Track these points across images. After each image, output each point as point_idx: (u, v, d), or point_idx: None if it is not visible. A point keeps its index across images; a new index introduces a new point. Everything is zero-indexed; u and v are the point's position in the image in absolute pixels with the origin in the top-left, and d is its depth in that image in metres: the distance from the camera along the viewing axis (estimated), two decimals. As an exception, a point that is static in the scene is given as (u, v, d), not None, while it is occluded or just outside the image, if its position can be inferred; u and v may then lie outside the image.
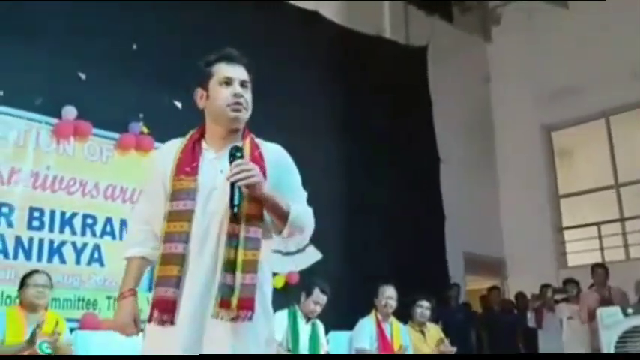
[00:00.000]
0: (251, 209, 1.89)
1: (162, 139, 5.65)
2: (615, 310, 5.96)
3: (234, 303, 1.80)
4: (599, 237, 9.57)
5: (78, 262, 5.12)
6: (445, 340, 5.64)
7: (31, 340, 3.75)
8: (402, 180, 7.96)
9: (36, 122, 5.10)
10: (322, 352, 4.91)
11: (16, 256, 4.79)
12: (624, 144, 9.70)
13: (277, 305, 5.30)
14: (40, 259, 4.90)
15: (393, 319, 5.37)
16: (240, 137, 2.03)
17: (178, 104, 5.72)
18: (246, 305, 1.81)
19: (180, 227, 1.87)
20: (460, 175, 9.13)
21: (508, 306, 8.45)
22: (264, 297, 1.93)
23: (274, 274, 6.30)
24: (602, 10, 9.14)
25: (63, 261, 5.03)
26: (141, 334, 1.95)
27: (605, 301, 6.50)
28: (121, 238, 5.37)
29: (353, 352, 5.27)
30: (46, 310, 4.21)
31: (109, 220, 5.34)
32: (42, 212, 5.01)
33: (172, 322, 1.81)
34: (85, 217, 5.23)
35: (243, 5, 6.51)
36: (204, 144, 2.01)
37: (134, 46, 5.75)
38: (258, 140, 2.06)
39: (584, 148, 10.60)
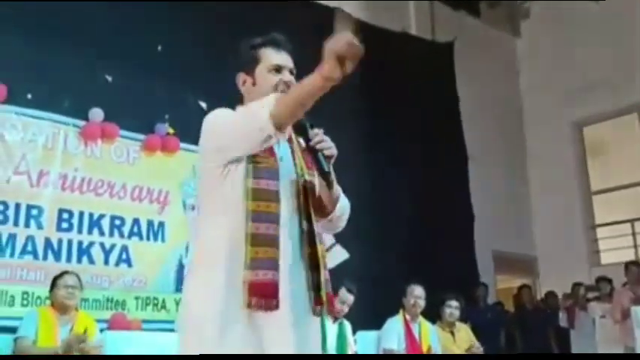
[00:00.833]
0: (314, 200, 1.87)
1: (188, 140, 5.67)
2: (650, 308, 5.84)
3: (324, 298, 1.82)
4: (633, 234, 9.38)
5: (106, 262, 5.16)
6: (476, 343, 5.57)
7: (66, 348, 3.79)
8: (429, 178, 7.88)
9: (63, 125, 5.16)
10: (350, 352, 4.89)
11: (45, 258, 4.85)
12: (658, 138, 9.49)
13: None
14: (69, 260, 4.95)
15: (421, 319, 5.32)
16: None
17: (203, 105, 5.74)
18: (332, 300, 1.85)
19: (271, 207, 1.76)
20: (489, 173, 9.00)
21: (540, 305, 8.32)
22: None
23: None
24: (632, 2, 8.93)
25: (91, 262, 5.08)
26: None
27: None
28: (148, 238, 5.41)
29: (380, 353, 5.23)
30: (77, 311, 4.26)
31: (136, 221, 5.38)
32: (71, 214, 5.07)
33: (277, 307, 1.70)
34: (113, 218, 5.27)
35: (267, 4, 6.50)
36: None
37: (159, 48, 5.79)
38: None
39: (616, 144, 10.37)
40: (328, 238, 6.64)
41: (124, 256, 5.25)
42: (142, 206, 5.44)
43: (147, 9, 5.66)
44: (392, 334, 5.20)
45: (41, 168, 4.99)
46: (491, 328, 7.14)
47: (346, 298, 4.84)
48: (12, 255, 4.72)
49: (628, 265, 6.99)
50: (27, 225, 4.83)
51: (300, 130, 1.83)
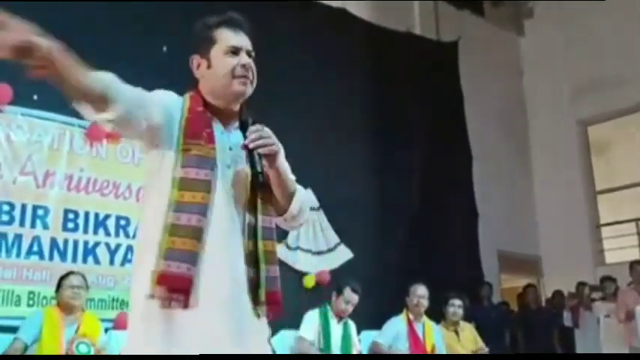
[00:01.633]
0: (264, 194, 1.75)
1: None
2: (655, 308, 5.83)
3: (263, 297, 1.69)
4: (638, 233, 9.36)
5: (112, 262, 5.18)
6: (480, 343, 5.57)
7: None
8: (434, 177, 7.88)
9: (69, 125, 5.17)
10: (354, 352, 4.90)
11: (51, 258, 4.86)
12: (663, 138, 9.47)
13: (308, 305, 5.34)
14: (74, 260, 4.97)
15: (425, 319, 5.32)
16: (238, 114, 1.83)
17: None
18: (275, 300, 1.71)
19: (200, 198, 1.63)
20: (493, 172, 9.00)
21: (543, 305, 8.31)
22: None
23: (304, 273, 6.39)
24: (636, 0, 8.91)
25: (97, 262, 5.10)
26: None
27: (644, 300, 6.35)
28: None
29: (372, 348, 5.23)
30: (83, 311, 4.28)
31: (141, 221, 5.39)
32: (76, 214, 5.09)
33: (186, 306, 1.58)
34: (119, 218, 5.29)
35: (271, 5, 6.51)
36: (210, 115, 1.77)
37: (164, 48, 5.80)
38: None
39: (621, 143, 10.34)
40: (333, 238, 6.65)
41: (129, 256, 5.25)
42: (147, 206, 5.45)
43: (152, 9, 5.68)
44: (387, 332, 5.21)
45: (47, 168, 5.00)
46: (496, 328, 7.14)
47: (351, 297, 4.86)
48: (18, 255, 4.73)
49: (633, 264, 6.96)
50: (33, 225, 4.84)
51: (242, 126, 1.75)
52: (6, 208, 4.76)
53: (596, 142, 10.29)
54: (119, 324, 4.89)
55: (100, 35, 5.37)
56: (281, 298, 1.73)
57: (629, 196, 9.73)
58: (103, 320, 4.49)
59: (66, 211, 5.03)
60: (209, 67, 1.79)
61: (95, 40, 5.32)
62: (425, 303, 5.26)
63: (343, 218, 6.73)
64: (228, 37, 1.79)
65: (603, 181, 10.05)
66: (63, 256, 4.93)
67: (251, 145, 1.68)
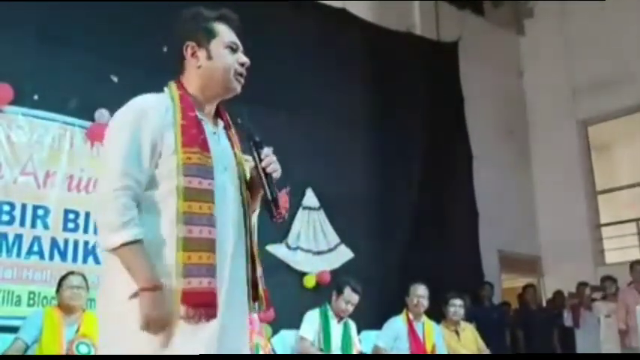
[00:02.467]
0: (253, 199, 1.86)
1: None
2: (655, 308, 5.83)
3: (261, 293, 1.80)
4: (639, 233, 9.35)
5: (112, 262, 5.18)
6: (481, 343, 5.57)
7: None
8: (434, 177, 7.88)
9: (70, 125, 5.17)
10: (355, 352, 4.90)
11: (51, 258, 4.87)
12: (664, 138, 9.47)
13: (309, 305, 5.34)
14: (75, 260, 4.97)
15: (425, 319, 5.32)
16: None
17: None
18: (267, 296, 1.82)
19: (207, 209, 1.65)
20: (494, 172, 8.99)
21: (543, 305, 8.32)
22: None
23: (305, 273, 6.40)
24: (636, 1, 8.90)
25: (97, 262, 5.08)
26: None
27: (645, 299, 6.36)
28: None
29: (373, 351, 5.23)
30: (84, 311, 4.27)
31: (141, 221, 5.39)
32: (77, 214, 5.09)
33: (215, 316, 1.62)
34: (119, 218, 5.29)
35: (271, 4, 6.52)
36: (198, 113, 1.78)
37: (165, 49, 5.79)
38: None
39: (622, 143, 10.35)
40: (333, 238, 6.66)
41: (129, 256, 5.26)
42: (147, 206, 5.45)
43: (153, 10, 5.67)
44: (387, 333, 5.20)
45: (48, 169, 5.00)
46: (497, 328, 7.15)
47: (351, 297, 4.85)
48: (18, 255, 4.73)
49: (633, 264, 6.97)
50: (33, 225, 4.84)
51: (250, 147, 1.79)
52: (6, 208, 4.76)
53: (596, 142, 10.28)
54: (119, 324, 4.89)
55: (100, 35, 5.39)
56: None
57: (630, 195, 9.74)
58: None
59: (66, 211, 5.03)
60: (209, 58, 1.81)
61: (95, 41, 5.36)
62: (425, 303, 5.26)
63: (343, 218, 6.73)
64: (228, 34, 1.84)
65: (604, 181, 10.04)
66: (63, 256, 4.93)
67: (269, 169, 1.76)
